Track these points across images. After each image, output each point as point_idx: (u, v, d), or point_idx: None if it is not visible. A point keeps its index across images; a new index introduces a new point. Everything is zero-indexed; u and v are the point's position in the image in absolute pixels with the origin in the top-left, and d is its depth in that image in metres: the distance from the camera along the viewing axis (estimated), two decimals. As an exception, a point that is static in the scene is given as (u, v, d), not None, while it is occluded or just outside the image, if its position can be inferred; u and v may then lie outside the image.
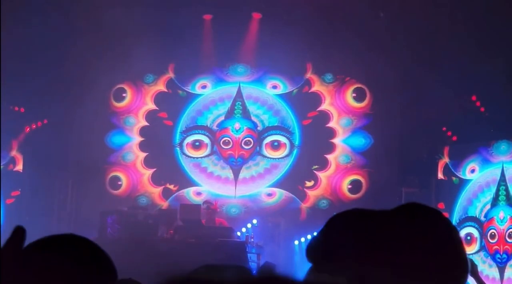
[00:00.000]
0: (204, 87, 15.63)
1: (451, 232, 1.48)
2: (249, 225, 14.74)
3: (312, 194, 15.15)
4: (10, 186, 14.83)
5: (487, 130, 13.43)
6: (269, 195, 15.26)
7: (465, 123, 13.81)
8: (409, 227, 1.47)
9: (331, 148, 15.20)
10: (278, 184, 15.21)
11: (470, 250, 13.36)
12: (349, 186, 15.06)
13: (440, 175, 14.18)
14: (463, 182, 13.86)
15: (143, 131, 15.66)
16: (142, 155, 15.61)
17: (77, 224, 14.62)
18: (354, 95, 15.19)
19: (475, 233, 13.36)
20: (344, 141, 15.19)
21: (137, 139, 15.65)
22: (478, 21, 12.78)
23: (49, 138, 15.19)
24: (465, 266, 1.47)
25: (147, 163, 15.56)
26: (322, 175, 15.18)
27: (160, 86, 15.68)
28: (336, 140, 15.21)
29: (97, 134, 15.32)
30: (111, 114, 15.72)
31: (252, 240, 13.82)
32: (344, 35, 14.33)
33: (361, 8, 14.38)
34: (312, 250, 1.49)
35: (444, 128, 14.65)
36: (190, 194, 15.35)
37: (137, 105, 15.68)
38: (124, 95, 15.70)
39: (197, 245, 12.46)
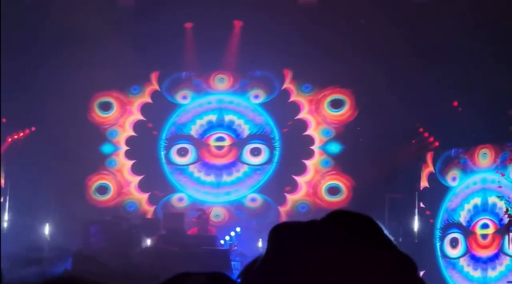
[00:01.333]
0: (186, 97, 15.51)
1: (383, 234, 1.46)
2: (232, 233, 14.69)
3: (291, 198, 15.11)
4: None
5: (468, 136, 13.44)
6: (252, 200, 15.20)
7: (447, 129, 13.83)
8: (340, 234, 1.43)
9: (309, 154, 15.18)
10: (260, 189, 15.16)
11: (455, 253, 13.39)
12: (328, 191, 14.99)
13: (425, 183, 14.23)
14: (446, 189, 13.94)
15: (129, 141, 15.52)
16: (129, 163, 15.46)
17: (62, 235, 14.51)
18: (332, 104, 15.12)
19: (460, 238, 13.36)
20: (322, 148, 15.16)
21: (123, 148, 15.49)
22: (461, 28, 12.81)
23: (32, 147, 15.04)
24: (407, 263, 1.45)
25: (134, 170, 15.42)
26: (301, 180, 15.15)
27: (145, 98, 15.53)
28: (315, 147, 15.18)
29: (84, 143, 15.02)
30: (97, 124, 15.51)
31: (235, 248, 13.76)
32: (324, 44, 14.27)
33: (342, 16, 14.41)
34: (259, 272, 1.48)
35: (426, 134, 14.66)
36: (175, 200, 15.23)
37: (123, 115, 15.52)
38: (109, 105, 15.52)
39: (180, 254, 12.27)
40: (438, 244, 13.57)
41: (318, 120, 15.24)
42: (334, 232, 1.46)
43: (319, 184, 15.08)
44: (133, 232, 13.17)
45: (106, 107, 15.60)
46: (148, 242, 13.21)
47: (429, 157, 14.01)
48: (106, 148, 15.57)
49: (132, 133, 15.58)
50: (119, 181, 15.47)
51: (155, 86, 15.58)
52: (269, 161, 15.22)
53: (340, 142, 15.14)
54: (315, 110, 15.25)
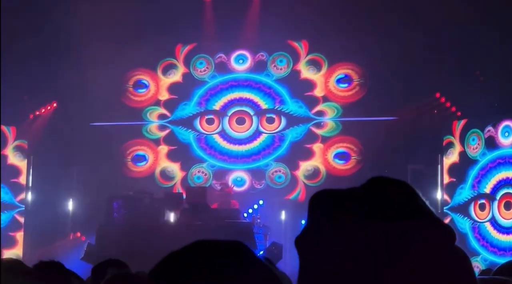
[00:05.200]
0: (211, 74, 15.72)
1: (420, 200, 1.39)
2: (255, 206, 14.60)
3: (303, 164, 15.26)
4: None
5: (491, 105, 13.15)
6: (269, 166, 15.38)
7: (469, 98, 13.49)
8: (379, 201, 1.38)
9: (321, 125, 15.35)
10: (277, 157, 15.48)
11: (482, 218, 13.27)
12: (337, 156, 15.09)
13: (454, 159, 13.82)
14: (472, 162, 13.40)
15: (160, 116, 15.78)
16: (162, 134, 15.71)
17: (89, 210, 14.58)
18: (342, 79, 15.22)
19: (487, 204, 13.23)
20: (333, 119, 15.22)
21: (156, 122, 15.75)
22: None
23: (60, 123, 14.76)
24: (451, 230, 1.35)
25: (166, 142, 15.70)
26: (315, 147, 15.29)
27: (176, 77, 15.79)
28: (326, 118, 15.28)
29: (117, 119, 15.38)
30: (127, 101, 15.71)
31: (258, 220, 13.58)
32: (341, 18, 14.09)
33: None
34: (300, 243, 1.39)
35: (448, 104, 14.38)
36: (204, 166, 15.52)
37: (154, 93, 15.78)
38: (141, 84, 15.80)
39: (203, 228, 11.79)
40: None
41: (330, 95, 15.29)
42: (372, 199, 1.39)
43: (329, 151, 15.13)
44: (156, 207, 13.01)
45: (137, 84, 15.79)
46: (171, 216, 13.08)
47: (454, 128, 13.70)
48: (142, 121, 15.79)
49: (163, 110, 15.77)
50: (154, 150, 15.65)
51: (180, 64, 15.65)
52: (284, 130, 15.41)
53: (353, 113, 14.96)
54: (328, 85, 15.28)
